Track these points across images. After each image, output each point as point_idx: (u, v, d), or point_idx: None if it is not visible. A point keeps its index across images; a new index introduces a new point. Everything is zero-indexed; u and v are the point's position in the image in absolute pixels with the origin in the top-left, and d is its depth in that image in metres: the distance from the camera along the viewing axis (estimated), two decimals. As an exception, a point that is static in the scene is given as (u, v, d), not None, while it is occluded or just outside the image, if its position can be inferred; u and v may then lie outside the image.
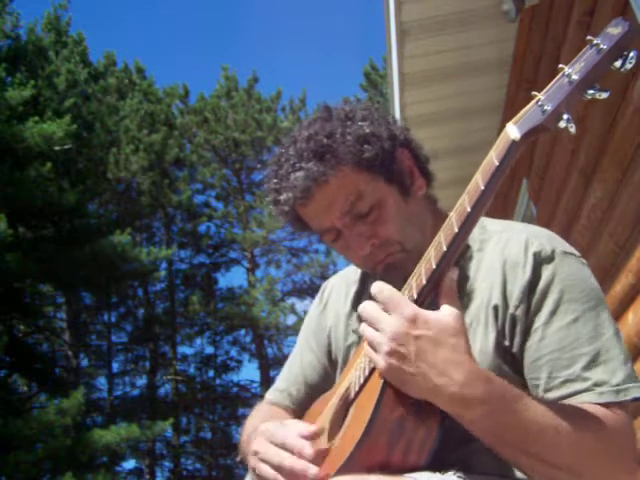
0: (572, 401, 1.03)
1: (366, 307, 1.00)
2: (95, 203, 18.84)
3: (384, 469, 0.98)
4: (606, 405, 1.02)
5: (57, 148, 15.24)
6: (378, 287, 0.99)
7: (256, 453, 1.11)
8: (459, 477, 1.01)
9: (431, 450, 0.99)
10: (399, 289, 1.02)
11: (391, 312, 0.97)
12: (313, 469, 1.02)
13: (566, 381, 1.04)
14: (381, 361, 0.96)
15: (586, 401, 1.02)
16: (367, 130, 1.17)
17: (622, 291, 2.75)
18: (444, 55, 3.92)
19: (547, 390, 1.06)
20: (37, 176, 14.40)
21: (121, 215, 18.86)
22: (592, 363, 1.04)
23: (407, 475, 0.97)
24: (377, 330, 0.97)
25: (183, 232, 21.46)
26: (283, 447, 1.07)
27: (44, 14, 18.85)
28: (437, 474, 1.00)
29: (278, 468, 1.06)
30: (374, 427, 0.98)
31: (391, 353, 0.95)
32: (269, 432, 1.12)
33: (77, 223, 16.30)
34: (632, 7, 2.40)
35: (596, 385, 1.03)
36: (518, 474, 1.10)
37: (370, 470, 0.97)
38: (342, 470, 0.99)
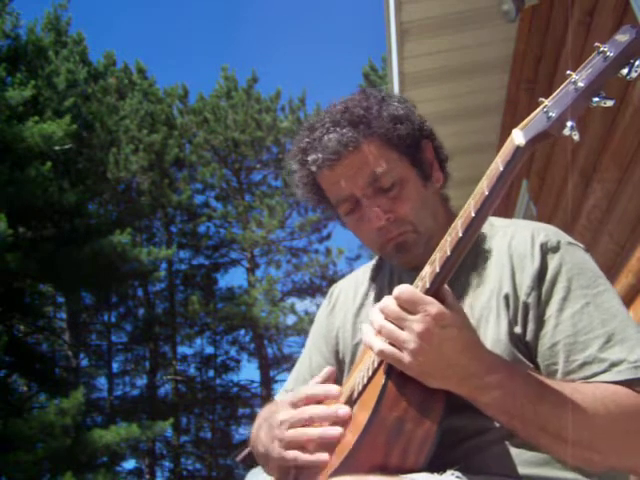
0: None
1: (389, 305, 0.99)
2: (95, 203, 18.83)
3: (383, 468, 0.98)
4: (627, 383, 1.02)
5: (57, 148, 15.25)
6: (400, 288, 0.99)
7: (282, 423, 1.12)
8: (457, 477, 1.01)
9: (430, 450, 1.00)
10: None
11: (416, 311, 0.97)
12: (344, 408, 1.07)
13: (584, 364, 1.05)
14: (407, 357, 0.97)
15: (605, 381, 1.03)
16: (401, 112, 1.23)
17: (622, 291, 2.75)
18: (444, 55, 3.93)
19: (566, 374, 1.07)
20: (37, 176, 14.38)
21: (121, 215, 18.81)
22: (607, 344, 1.05)
23: (404, 476, 0.97)
24: (401, 328, 0.97)
25: (183, 232, 21.44)
26: (307, 400, 1.12)
27: (44, 14, 18.89)
28: (435, 475, 1.00)
29: (310, 420, 1.09)
30: (373, 426, 0.99)
31: (419, 350, 0.96)
32: (283, 402, 1.17)
33: (77, 223, 16.29)
34: (632, 7, 2.40)
35: (613, 365, 1.03)
36: (519, 473, 1.09)
37: (369, 469, 0.97)
38: (342, 468, 0.99)
